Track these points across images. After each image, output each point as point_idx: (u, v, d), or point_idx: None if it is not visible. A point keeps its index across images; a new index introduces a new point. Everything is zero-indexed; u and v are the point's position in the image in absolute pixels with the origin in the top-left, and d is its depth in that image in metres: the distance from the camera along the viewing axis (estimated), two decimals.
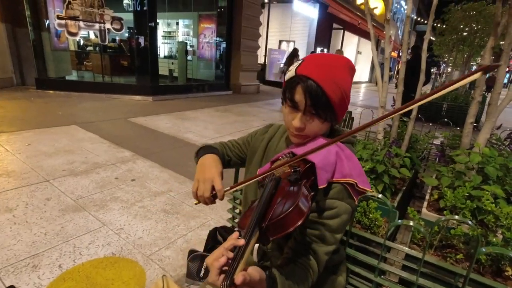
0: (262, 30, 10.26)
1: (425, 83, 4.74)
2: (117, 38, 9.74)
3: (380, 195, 0.97)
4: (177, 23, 11.06)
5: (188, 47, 9.35)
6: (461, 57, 7.07)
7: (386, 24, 1.91)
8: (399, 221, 0.99)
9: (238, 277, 0.50)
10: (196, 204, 0.82)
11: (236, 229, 0.64)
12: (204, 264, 1.36)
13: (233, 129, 4.79)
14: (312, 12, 12.95)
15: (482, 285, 0.93)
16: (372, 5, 17.79)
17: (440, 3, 1.99)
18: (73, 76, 7.92)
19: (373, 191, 0.76)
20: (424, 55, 1.82)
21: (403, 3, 23.08)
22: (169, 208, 2.25)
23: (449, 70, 9.00)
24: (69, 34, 6.46)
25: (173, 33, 11.35)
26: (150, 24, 6.72)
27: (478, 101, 1.55)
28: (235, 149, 1.02)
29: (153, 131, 4.31)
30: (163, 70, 8.74)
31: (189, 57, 9.27)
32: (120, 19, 6.79)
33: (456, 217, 0.90)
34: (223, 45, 9.31)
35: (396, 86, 2.54)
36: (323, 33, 14.02)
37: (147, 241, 1.85)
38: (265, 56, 12.74)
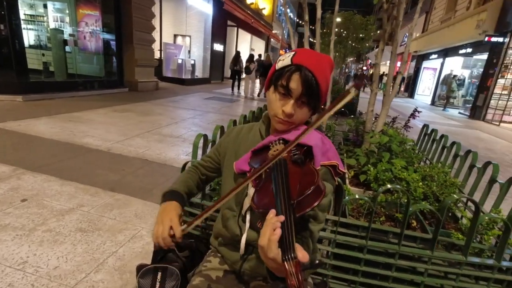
0: (155, 23, 9.61)
1: None
2: None
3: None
4: (45, 6, 9.13)
5: (67, 37, 7.91)
6: (339, 56, 8.50)
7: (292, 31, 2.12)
8: (347, 197, 1.15)
9: (304, 255, 0.53)
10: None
11: (258, 210, 0.65)
12: (159, 277, 1.23)
13: (140, 130, 4.38)
14: (207, 8, 12.89)
15: (407, 236, 1.19)
16: (260, 5, 19.09)
17: (312, 10, 2.36)
18: None
19: (347, 172, 0.87)
20: (332, 53, 2.13)
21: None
22: (86, 226, 1.91)
23: None
24: None
25: (41, 17, 9.33)
26: (6, 1, 5.31)
27: (375, 92, 1.94)
28: (208, 163, 1.03)
29: (36, 139, 3.51)
30: (32, 63, 7.14)
31: (67, 48, 7.85)
32: None
33: (389, 186, 1.12)
34: (112, 36, 8.28)
35: None
36: (219, 30, 14.16)
37: (67, 269, 1.53)
38: (160, 50, 12.00)
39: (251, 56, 10.51)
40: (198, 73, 13.53)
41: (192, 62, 12.79)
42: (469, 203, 1.65)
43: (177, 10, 12.89)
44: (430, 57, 15.95)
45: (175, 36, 13.57)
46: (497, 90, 9.54)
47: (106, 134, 3.97)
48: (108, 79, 8.29)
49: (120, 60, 8.47)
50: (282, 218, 0.57)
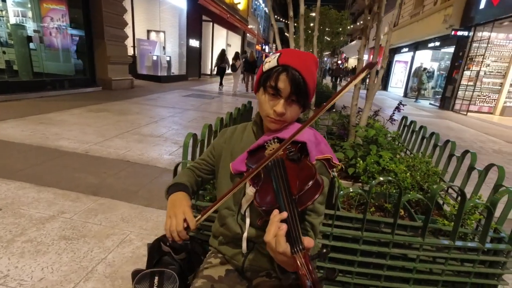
0: (127, 18, 9.21)
1: None
2: None
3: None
4: (4, 0, 8.48)
5: (30, 33, 7.42)
6: (318, 51, 8.61)
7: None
8: (341, 192, 1.18)
9: (309, 242, 0.56)
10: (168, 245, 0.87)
11: (261, 209, 0.68)
12: (156, 281, 1.20)
13: (119, 130, 4.22)
14: (181, 2, 12.55)
15: (398, 225, 1.24)
16: (235, 0, 18.88)
17: (295, 5, 2.36)
18: None
19: (340, 165, 0.90)
20: (315, 49, 2.15)
21: (261, 0, 25.51)
22: (69, 234, 1.82)
23: None
24: None
25: None
26: None
27: (359, 87, 1.99)
28: (202, 165, 1.02)
29: (5, 143, 3.28)
30: None
31: (32, 45, 7.37)
32: None
33: (381, 178, 1.16)
34: (82, 32, 7.87)
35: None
36: (194, 25, 13.85)
37: (54, 280, 1.46)
38: (134, 47, 11.58)
39: (237, 53, 11.05)
40: (174, 70, 13.20)
41: (168, 58, 12.45)
42: (449, 190, 1.75)
43: (149, 5, 12.46)
44: (402, 51, 16.57)
45: (149, 31, 13.12)
46: (464, 82, 10.11)
47: (82, 135, 3.79)
48: (79, 78, 7.91)
49: (91, 57, 8.10)
50: (285, 214, 0.61)
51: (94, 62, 8.17)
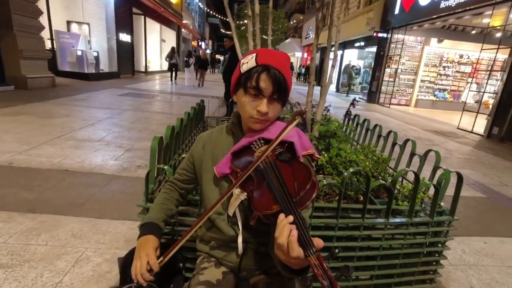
0: (41, 6, 8.01)
1: None
2: None
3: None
4: None
5: None
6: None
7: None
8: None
9: (319, 243, 0.59)
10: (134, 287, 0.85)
11: (261, 214, 0.68)
12: None
13: (47, 135, 3.69)
14: None
15: (361, 209, 1.37)
16: None
17: (232, 1, 2.45)
18: None
19: (320, 158, 0.96)
20: (270, 47, 2.20)
21: None
22: (7, 261, 1.55)
23: None
24: None
25: None
26: None
27: (313, 84, 2.12)
28: (184, 176, 1.02)
29: None
30: None
31: None
32: None
33: (351, 169, 1.26)
34: None
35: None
36: (123, 18, 12.74)
37: None
38: (51, 39, 10.17)
39: (190, 52, 12.71)
40: (104, 67, 12.01)
41: (95, 53, 11.27)
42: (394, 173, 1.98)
43: None
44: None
45: (69, 23, 11.65)
46: (386, 78, 11.46)
47: (0, 144, 3.21)
48: None
49: None
50: (291, 218, 0.62)
51: (0, 56, 6.95)
